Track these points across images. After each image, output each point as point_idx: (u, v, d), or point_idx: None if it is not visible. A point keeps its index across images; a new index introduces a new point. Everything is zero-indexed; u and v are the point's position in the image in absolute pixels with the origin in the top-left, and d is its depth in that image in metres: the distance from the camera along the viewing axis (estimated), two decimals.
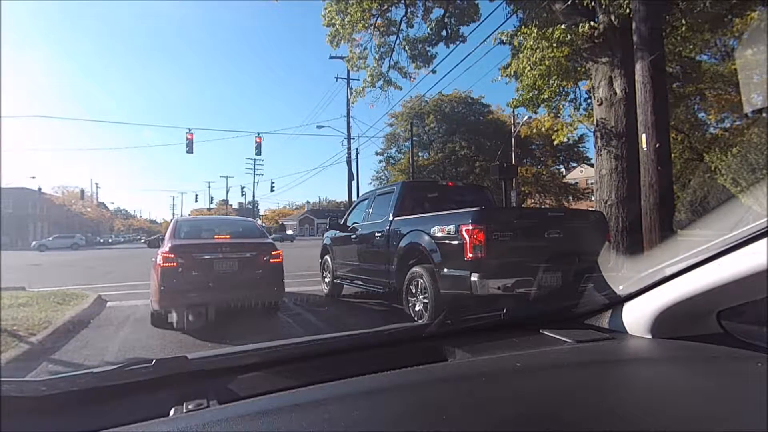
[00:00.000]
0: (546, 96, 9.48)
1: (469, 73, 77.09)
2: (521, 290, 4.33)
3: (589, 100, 10.65)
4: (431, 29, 11.63)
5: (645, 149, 6.06)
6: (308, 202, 78.73)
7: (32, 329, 4.69)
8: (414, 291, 5.09)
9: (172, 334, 4.80)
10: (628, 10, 6.83)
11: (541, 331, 1.34)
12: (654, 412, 0.80)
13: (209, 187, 72.98)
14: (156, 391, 0.97)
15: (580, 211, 10.30)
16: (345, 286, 7.21)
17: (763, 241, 0.83)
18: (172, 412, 0.87)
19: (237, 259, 5.51)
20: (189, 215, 44.13)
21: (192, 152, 22.31)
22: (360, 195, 12.71)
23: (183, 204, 77.45)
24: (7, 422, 0.82)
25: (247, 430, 0.77)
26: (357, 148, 26.27)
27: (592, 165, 17.56)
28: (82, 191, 54.13)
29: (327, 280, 7.64)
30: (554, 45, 8.16)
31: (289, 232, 58.42)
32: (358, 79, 16.15)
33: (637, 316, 1.22)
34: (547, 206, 30.20)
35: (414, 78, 12.75)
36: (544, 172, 34.36)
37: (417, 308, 5.01)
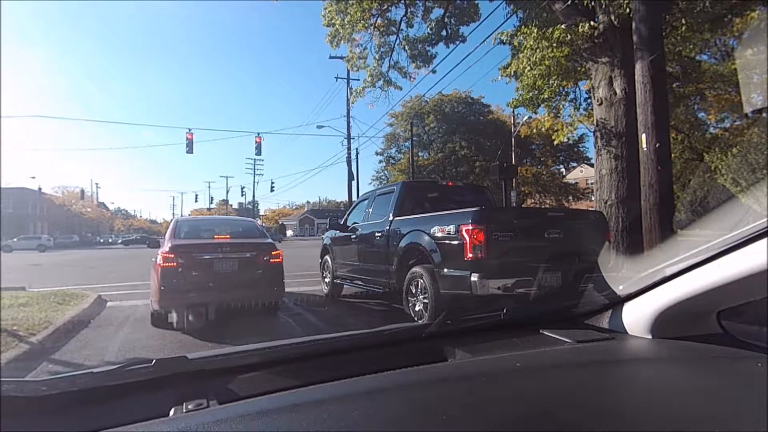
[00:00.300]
0: (546, 96, 9.48)
1: (469, 73, 77.22)
2: (521, 290, 4.33)
3: (589, 100, 10.65)
4: (431, 29, 11.64)
5: (645, 149, 6.06)
6: (308, 202, 78.79)
7: (32, 329, 4.69)
8: (414, 291, 5.09)
9: (172, 334, 4.80)
10: (628, 10, 6.83)
11: (541, 331, 1.34)
12: (654, 412, 0.80)
13: (209, 187, 73.23)
14: (156, 391, 0.97)
15: (580, 211, 10.31)
16: (345, 286, 7.21)
17: (763, 241, 0.83)
18: (172, 412, 0.87)
19: (237, 259, 5.51)
20: (189, 215, 44.20)
21: (192, 152, 22.40)
22: (360, 195, 12.72)
23: (183, 204, 77.65)
24: (7, 422, 0.82)
25: (247, 430, 0.77)
26: (357, 148, 26.35)
27: (592, 165, 17.58)
28: (82, 191, 54.22)
29: (327, 280, 7.64)
30: (554, 45, 8.16)
31: (288, 233, 58.38)
32: (358, 79, 16.19)
33: (637, 316, 1.22)
34: (547, 206, 30.20)
35: (414, 78, 12.79)
36: (544, 172, 34.37)
37: (417, 308, 5.01)
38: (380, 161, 40.01)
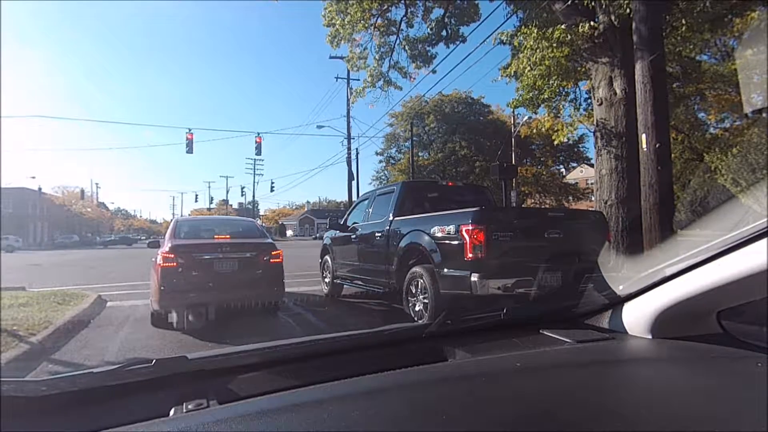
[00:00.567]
0: (546, 96, 9.48)
1: (469, 73, 77.25)
2: (521, 290, 4.33)
3: (589, 100, 10.65)
4: (431, 29, 11.64)
5: (645, 149, 6.06)
6: (308, 202, 78.81)
7: (32, 329, 4.69)
8: (414, 291, 5.09)
9: (172, 334, 4.80)
10: (628, 10, 6.84)
11: (541, 331, 1.34)
12: (654, 412, 0.80)
13: (209, 187, 73.16)
14: (156, 391, 0.97)
15: (580, 211, 10.31)
16: (345, 286, 7.21)
17: (763, 241, 0.83)
18: (172, 412, 0.87)
19: (237, 259, 5.51)
20: (189, 215, 44.19)
21: (192, 152, 22.40)
22: (360, 195, 12.73)
23: (183, 204, 77.63)
24: (7, 422, 0.82)
25: (247, 430, 0.77)
26: (357, 148, 26.35)
27: (592, 165, 17.57)
28: (82, 191, 54.22)
29: (327, 280, 7.64)
30: (554, 45, 8.16)
31: (288, 233, 58.32)
32: (358, 79, 16.19)
33: (637, 316, 1.22)
34: (547, 206, 30.19)
35: (414, 78, 12.78)
36: (544, 172, 34.36)
37: (417, 308, 5.01)
38: (380, 161, 40.06)
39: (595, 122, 8.20)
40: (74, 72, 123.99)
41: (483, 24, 11.62)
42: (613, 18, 7.41)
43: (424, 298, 4.92)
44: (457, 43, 11.68)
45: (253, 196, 52.00)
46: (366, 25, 11.17)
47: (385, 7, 11.16)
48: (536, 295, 4.31)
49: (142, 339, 4.76)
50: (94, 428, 0.79)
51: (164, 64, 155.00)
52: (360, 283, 6.61)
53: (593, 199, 9.47)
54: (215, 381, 1.02)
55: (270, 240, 6.34)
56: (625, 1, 6.88)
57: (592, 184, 22.48)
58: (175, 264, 5.16)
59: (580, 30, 7.64)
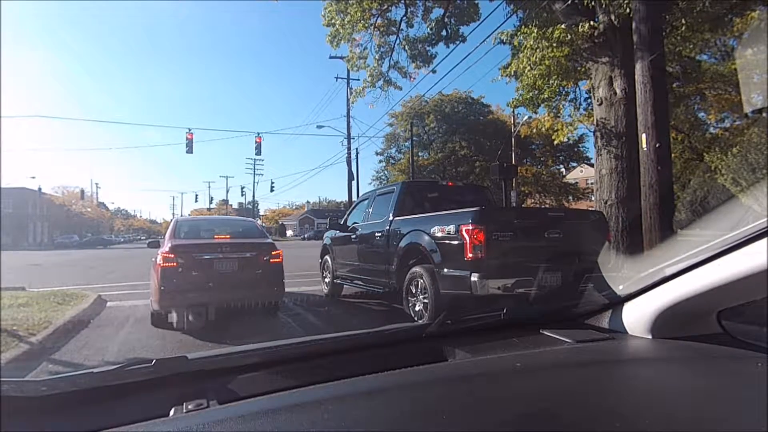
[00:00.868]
0: (546, 96, 9.48)
1: (469, 73, 77.15)
2: (521, 290, 4.33)
3: (589, 100, 10.66)
4: (431, 29, 11.63)
5: (645, 149, 6.06)
6: (308, 202, 78.82)
7: (32, 329, 4.69)
8: (414, 291, 5.09)
9: (172, 334, 4.80)
10: (628, 10, 6.84)
11: (541, 331, 1.34)
12: (654, 412, 0.80)
13: (209, 187, 73.24)
14: (156, 391, 0.97)
15: (580, 211, 10.30)
16: (345, 286, 7.21)
17: (763, 241, 0.83)
18: (172, 412, 0.87)
19: (237, 259, 5.51)
20: (189, 215, 44.17)
21: (192, 152, 22.39)
22: (360, 195, 12.72)
23: (183, 204, 77.75)
24: (7, 422, 0.82)
25: (247, 430, 0.77)
26: (357, 148, 26.32)
27: (592, 165, 17.57)
28: (82, 191, 54.17)
29: (327, 280, 7.64)
30: (554, 45, 8.16)
31: (288, 233, 58.27)
32: (358, 79, 16.18)
33: (637, 316, 1.22)
34: (547, 206, 30.19)
35: (414, 78, 12.79)
36: (544, 172, 34.35)
37: (417, 308, 5.01)
38: (380, 161, 40.06)
39: (595, 122, 8.20)
40: (74, 72, 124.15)
41: (483, 24, 11.63)
42: (613, 18, 7.41)
43: (424, 298, 4.92)
44: (457, 43, 11.69)
45: (253, 196, 52.08)
46: (366, 25, 11.17)
47: (385, 7, 11.16)
48: (536, 295, 4.31)
49: (142, 339, 4.76)
50: (94, 428, 0.79)
51: (164, 64, 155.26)
52: (360, 283, 6.61)
53: (593, 199, 9.47)
54: (215, 381, 1.02)
55: (270, 240, 6.34)
56: (625, 1, 6.87)
57: (592, 184, 22.48)
58: (175, 264, 5.16)
59: (580, 30, 7.64)
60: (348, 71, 22.31)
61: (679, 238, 6.06)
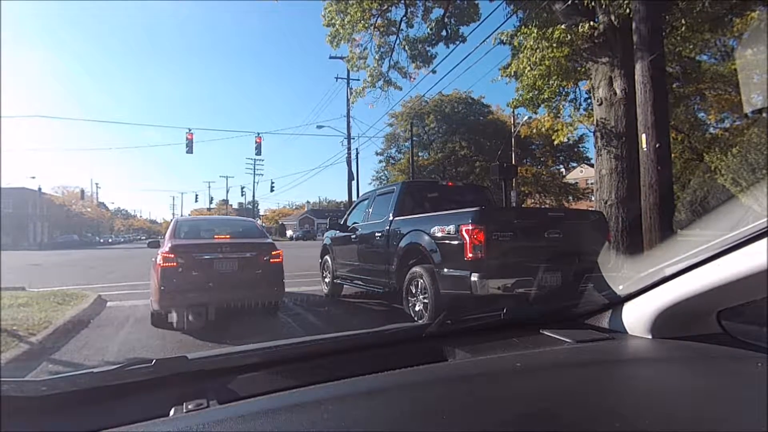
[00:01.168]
0: (546, 96, 9.49)
1: (469, 73, 76.92)
2: (521, 290, 4.33)
3: (589, 100, 10.65)
4: (431, 29, 11.63)
5: (645, 149, 6.06)
6: (308, 202, 78.81)
7: (32, 329, 4.69)
8: (414, 291, 5.09)
9: (172, 334, 4.80)
10: (628, 10, 6.84)
11: (541, 331, 1.34)
12: (654, 412, 0.80)
13: (209, 187, 73.36)
14: (156, 391, 0.97)
15: (580, 211, 10.30)
16: (345, 286, 7.21)
17: (763, 241, 0.83)
18: (172, 412, 0.87)
19: (237, 259, 5.51)
20: (189, 215, 44.16)
21: (192, 152, 22.42)
22: (360, 195, 12.72)
23: (183, 204, 77.66)
24: (7, 422, 0.82)
25: (247, 430, 0.77)
26: (357, 148, 26.31)
27: (592, 165, 17.57)
28: (82, 191, 54.20)
29: (327, 280, 7.64)
30: (554, 45, 8.16)
31: (288, 233, 58.24)
32: (358, 79, 16.18)
33: (637, 316, 1.22)
34: (547, 206, 30.18)
35: (414, 78, 12.78)
36: (544, 172, 34.35)
37: (417, 308, 5.01)
38: (380, 161, 40.05)
39: (595, 122, 8.20)
40: (74, 72, 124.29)
41: (483, 24, 11.61)
42: (613, 18, 7.41)
43: (424, 298, 4.92)
44: (457, 43, 11.68)
45: (253, 196, 52.09)
46: (366, 25, 11.17)
47: (385, 7, 11.16)
48: (536, 295, 4.31)
49: (142, 339, 4.75)
50: (94, 428, 0.79)
51: (164, 64, 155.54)
52: (360, 283, 6.61)
53: (593, 199, 9.47)
54: (215, 381, 1.02)
55: (270, 240, 6.34)
56: (625, 1, 6.87)
57: (592, 184, 22.47)
58: (175, 264, 5.16)
59: (580, 30, 7.64)
60: (348, 71, 22.33)
61: (679, 238, 6.06)
